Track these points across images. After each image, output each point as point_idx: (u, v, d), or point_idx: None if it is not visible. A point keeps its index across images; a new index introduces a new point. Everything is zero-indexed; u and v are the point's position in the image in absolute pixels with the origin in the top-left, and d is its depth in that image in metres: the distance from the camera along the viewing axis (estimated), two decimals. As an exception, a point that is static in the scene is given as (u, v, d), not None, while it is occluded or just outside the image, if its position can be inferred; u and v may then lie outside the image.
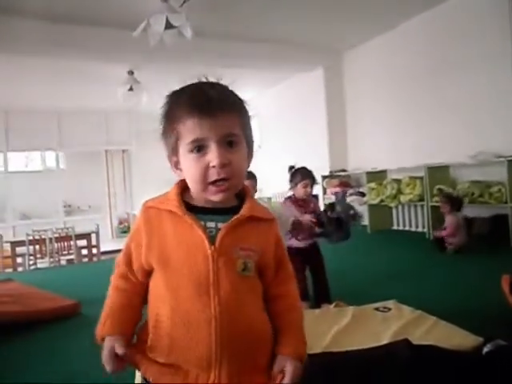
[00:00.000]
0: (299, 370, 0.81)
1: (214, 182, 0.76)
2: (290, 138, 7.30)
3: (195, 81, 0.81)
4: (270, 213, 0.88)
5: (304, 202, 2.71)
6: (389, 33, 5.51)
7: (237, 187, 0.80)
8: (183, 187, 0.82)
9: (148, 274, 0.82)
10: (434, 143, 4.98)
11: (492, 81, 4.33)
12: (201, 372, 0.75)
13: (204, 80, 0.81)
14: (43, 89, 6.82)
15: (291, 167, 2.76)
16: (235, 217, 0.79)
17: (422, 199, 4.76)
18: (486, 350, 1.58)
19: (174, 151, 0.80)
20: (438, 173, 4.66)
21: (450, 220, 3.97)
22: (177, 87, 0.82)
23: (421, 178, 4.79)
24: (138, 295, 0.84)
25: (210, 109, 0.74)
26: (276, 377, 0.80)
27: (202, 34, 4.63)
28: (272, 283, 0.86)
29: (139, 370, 0.81)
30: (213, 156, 0.75)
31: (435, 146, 4.94)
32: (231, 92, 0.82)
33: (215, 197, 0.77)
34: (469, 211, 4.31)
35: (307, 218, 2.58)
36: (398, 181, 5.14)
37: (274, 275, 0.86)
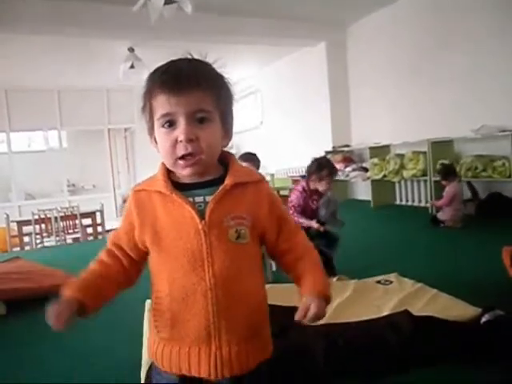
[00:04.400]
0: (324, 309, 0.80)
1: (182, 157, 0.77)
2: (293, 113, 7.24)
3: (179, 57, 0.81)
4: (257, 174, 0.88)
5: (317, 196, 2.57)
6: (393, 4, 5.40)
7: (207, 162, 0.79)
8: (167, 168, 0.83)
9: (144, 253, 0.84)
10: (437, 117, 4.95)
11: (496, 54, 4.27)
12: (202, 344, 0.78)
13: (188, 57, 0.82)
14: (44, 67, 6.76)
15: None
16: (221, 187, 0.79)
17: (424, 174, 4.76)
18: (484, 319, 1.62)
19: (150, 126, 0.82)
20: (441, 147, 4.64)
21: (447, 189, 3.98)
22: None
23: (424, 153, 4.77)
24: (118, 272, 0.84)
25: (180, 84, 0.75)
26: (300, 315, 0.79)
27: (202, 9, 4.54)
28: (278, 241, 0.86)
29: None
30: (180, 131, 0.76)
31: (439, 120, 4.91)
32: (209, 69, 0.81)
33: (184, 171, 0.79)
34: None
35: (314, 225, 2.47)
36: (401, 156, 5.13)
37: (277, 234, 0.86)
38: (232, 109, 0.85)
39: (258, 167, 2.80)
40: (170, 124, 0.77)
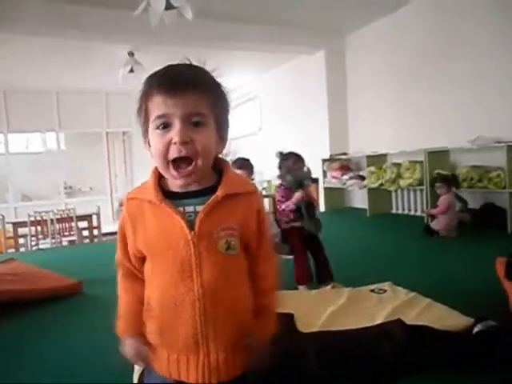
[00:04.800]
0: (263, 355, 0.83)
1: (175, 161, 0.77)
2: (291, 120, 7.28)
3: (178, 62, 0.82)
4: (250, 185, 0.87)
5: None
6: (392, 15, 5.45)
7: (201, 169, 0.79)
8: (160, 174, 0.83)
9: (143, 260, 0.85)
10: (434, 127, 4.98)
11: (493, 66, 4.31)
12: (190, 352, 0.79)
13: (186, 62, 0.82)
14: (43, 69, 6.77)
15: (280, 153, 2.72)
16: (212, 198, 0.79)
17: (421, 184, 4.79)
18: (476, 329, 1.63)
19: (145, 129, 0.81)
20: (437, 157, 4.67)
21: (443, 198, 4.01)
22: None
23: (421, 163, 4.80)
24: (140, 284, 0.86)
25: (177, 86, 0.75)
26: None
27: (202, 15, 4.58)
28: (253, 260, 0.87)
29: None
30: (175, 132, 0.75)
31: (435, 130, 4.94)
32: (206, 74, 0.81)
33: (177, 181, 0.79)
34: (467, 196, 4.36)
35: (298, 194, 2.57)
36: (398, 165, 5.15)
37: (257, 247, 0.86)
38: (228, 116, 0.85)
39: (251, 173, 2.81)
40: (165, 126, 0.77)
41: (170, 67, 0.80)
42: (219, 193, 0.79)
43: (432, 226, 4.03)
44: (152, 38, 5.13)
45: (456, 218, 4.01)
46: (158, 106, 0.76)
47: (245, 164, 2.75)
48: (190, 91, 0.76)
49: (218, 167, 0.84)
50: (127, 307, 0.87)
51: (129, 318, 0.86)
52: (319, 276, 2.60)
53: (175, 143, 0.75)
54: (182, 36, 5.20)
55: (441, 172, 4.39)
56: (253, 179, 2.79)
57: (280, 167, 2.69)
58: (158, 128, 0.77)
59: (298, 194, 2.56)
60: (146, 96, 0.79)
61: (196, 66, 0.82)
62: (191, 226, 0.78)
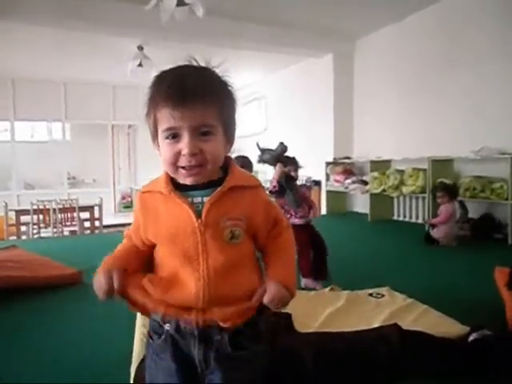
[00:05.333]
0: (283, 295, 0.86)
1: (184, 167, 0.81)
2: (296, 122, 7.29)
3: (185, 62, 0.83)
4: (255, 180, 0.91)
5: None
6: (401, 22, 5.46)
7: (210, 172, 0.83)
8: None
9: (152, 245, 0.91)
10: (439, 136, 4.99)
11: (500, 76, 4.32)
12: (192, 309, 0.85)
13: (193, 62, 0.84)
14: (52, 59, 6.80)
15: (264, 161, 2.86)
16: (218, 189, 0.83)
17: (423, 191, 4.79)
18: (471, 338, 1.64)
19: (154, 134, 0.84)
20: (441, 166, 4.68)
21: (445, 208, 4.02)
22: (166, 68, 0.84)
23: (424, 170, 4.81)
24: (143, 252, 0.92)
25: (184, 99, 0.77)
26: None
27: (213, 14, 4.60)
28: (268, 238, 0.92)
29: (128, 303, 0.89)
30: (184, 144, 0.79)
31: (440, 138, 4.95)
32: (214, 78, 0.83)
33: (186, 180, 0.82)
34: (469, 206, 4.37)
35: (278, 168, 2.73)
36: (401, 171, 5.16)
37: (268, 233, 0.91)
38: (235, 117, 0.88)
39: (250, 171, 2.83)
40: (174, 136, 0.80)
41: (176, 72, 0.81)
42: (226, 184, 0.83)
43: (432, 234, 4.04)
44: (161, 33, 5.15)
45: (455, 228, 4.02)
46: (167, 118, 0.79)
47: (244, 162, 2.77)
48: (198, 103, 0.77)
49: (224, 163, 0.87)
50: (119, 249, 0.93)
51: (117, 256, 0.91)
52: (316, 272, 2.67)
53: (184, 155, 0.79)
54: (191, 33, 5.21)
55: (443, 181, 4.39)
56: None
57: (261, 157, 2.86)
58: (167, 138, 0.81)
59: (277, 168, 2.70)
60: (154, 104, 0.81)
61: (203, 69, 0.83)
62: (198, 215, 0.82)
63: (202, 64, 0.84)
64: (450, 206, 4.01)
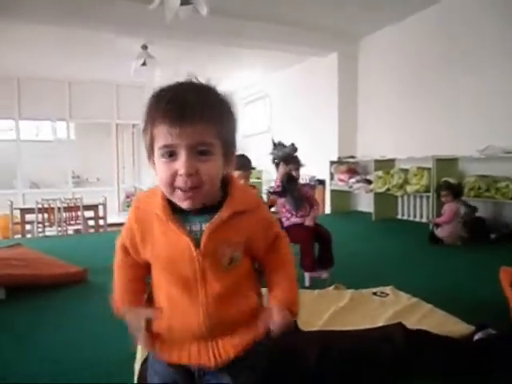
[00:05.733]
0: (288, 320, 0.85)
1: (180, 189, 0.77)
2: (300, 121, 7.28)
3: (184, 79, 0.81)
4: (255, 200, 0.88)
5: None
6: (405, 20, 5.44)
7: (207, 194, 0.79)
8: None
9: (145, 259, 0.88)
10: (444, 135, 4.97)
11: (505, 74, 4.29)
12: (200, 341, 0.85)
13: (194, 80, 0.81)
14: (56, 58, 6.83)
15: (273, 159, 2.89)
16: (217, 216, 0.80)
17: (428, 190, 4.77)
18: (476, 337, 1.64)
19: (150, 151, 0.80)
20: (445, 165, 4.66)
21: (449, 207, 4.01)
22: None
23: (428, 169, 4.79)
24: (138, 267, 0.91)
25: (182, 117, 0.73)
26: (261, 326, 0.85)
27: (217, 12, 4.59)
28: (267, 253, 0.90)
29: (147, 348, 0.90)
30: (180, 164, 0.75)
31: (445, 137, 4.93)
32: (214, 97, 0.80)
33: (183, 204, 0.78)
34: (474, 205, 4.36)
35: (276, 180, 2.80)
36: (406, 170, 5.14)
37: (267, 250, 0.90)
38: (235, 137, 0.84)
39: (249, 170, 2.79)
40: (170, 154, 0.76)
41: (176, 89, 0.78)
42: (225, 212, 0.81)
43: (436, 233, 4.02)
44: (165, 32, 5.16)
45: (460, 227, 4.01)
46: (164, 135, 0.75)
47: (243, 162, 2.70)
48: (196, 121, 0.74)
49: (224, 182, 0.84)
50: (121, 280, 0.92)
51: (126, 290, 0.91)
52: (321, 260, 2.74)
53: (181, 175, 0.76)
54: (195, 31, 5.21)
55: (448, 180, 4.37)
56: (249, 180, 2.84)
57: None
58: (163, 156, 0.77)
59: (280, 169, 2.76)
60: (151, 120, 0.77)
61: (203, 87, 0.80)
62: (197, 243, 0.80)
63: (203, 81, 0.81)
64: (454, 205, 3.99)
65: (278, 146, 2.86)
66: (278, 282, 0.89)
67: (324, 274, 2.71)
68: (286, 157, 2.79)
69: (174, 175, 0.76)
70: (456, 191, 4.07)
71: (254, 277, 0.92)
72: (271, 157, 2.92)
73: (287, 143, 2.95)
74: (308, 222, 2.79)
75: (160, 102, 0.76)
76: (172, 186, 0.77)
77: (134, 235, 0.85)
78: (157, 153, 0.78)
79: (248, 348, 0.86)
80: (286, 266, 0.91)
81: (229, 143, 0.82)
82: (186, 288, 0.82)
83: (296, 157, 2.90)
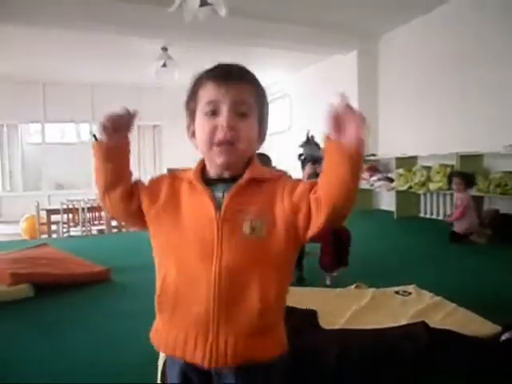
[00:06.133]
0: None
1: (219, 144, 0.81)
2: (320, 120, 7.21)
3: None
4: (276, 173, 0.89)
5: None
6: (426, 16, 5.35)
7: (242, 154, 0.83)
8: (204, 165, 0.88)
9: (138, 211, 0.90)
10: (468, 131, 4.86)
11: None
12: (199, 332, 0.80)
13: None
14: (79, 62, 6.99)
15: (300, 155, 2.82)
16: (237, 183, 0.82)
17: (451, 188, 4.68)
18: (503, 338, 1.60)
19: (192, 117, 0.87)
20: (470, 161, 4.56)
21: (461, 197, 3.97)
22: (208, 65, 0.88)
23: (451, 166, 4.69)
24: (130, 194, 0.92)
25: (228, 77, 0.82)
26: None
27: (236, 13, 4.61)
28: (307, 201, 0.78)
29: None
30: (222, 118, 0.81)
31: (469, 133, 4.82)
32: (254, 75, 0.89)
33: (219, 158, 0.82)
34: (500, 202, 4.25)
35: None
36: (428, 168, 5.06)
37: (304, 202, 0.78)
38: (268, 115, 0.90)
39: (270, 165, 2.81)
40: (213, 113, 0.82)
41: (219, 64, 0.87)
42: (245, 176, 0.83)
43: (456, 229, 3.97)
44: (185, 33, 5.21)
45: (476, 220, 3.96)
46: (210, 92, 0.83)
47: (263, 160, 2.73)
48: (241, 81, 0.83)
49: (248, 161, 0.87)
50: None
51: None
52: (340, 258, 2.66)
53: (222, 127, 0.81)
54: (214, 32, 5.25)
55: (461, 171, 4.33)
56: None
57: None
58: (206, 114, 0.83)
59: (307, 169, 2.73)
60: (197, 85, 0.86)
61: (243, 66, 0.88)
62: (218, 208, 0.81)
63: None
64: (465, 197, 3.97)
65: (310, 142, 2.82)
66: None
67: (334, 273, 2.67)
68: (316, 158, 2.76)
69: (215, 130, 0.81)
70: (469, 180, 4.03)
71: (282, 269, 0.83)
72: (300, 151, 2.86)
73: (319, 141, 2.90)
74: None
75: (207, 72, 0.86)
76: (211, 142, 0.82)
77: (160, 191, 0.88)
78: (200, 112, 0.84)
79: (258, 361, 0.80)
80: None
81: (263, 116, 0.88)
82: (201, 255, 0.80)
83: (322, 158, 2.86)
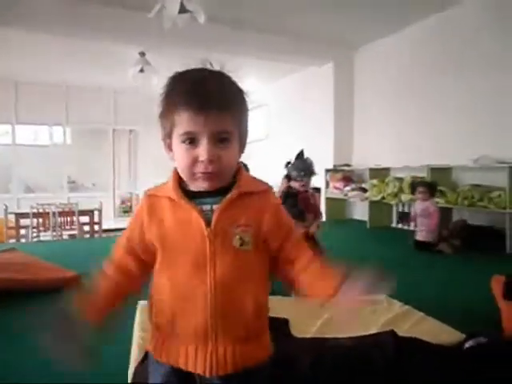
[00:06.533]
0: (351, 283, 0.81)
1: (201, 174, 0.80)
2: (297, 129, 7.33)
3: (199, 66, 0.83)
4: (263, 184, 0.89)
5: (305, 194, 2.78)
6: (402, 31, 5.52)
7: (225, 178, 0.83)
8: (179, 176, 0.85)
9: (154, 254, 0.86)
10: (438, 144, 5.03)
11: (498, 86, 4.36)
12: (199, 343, 0.82)
13: (208, 66, 0.83)
14: (54, 63, 6.86)
15: (288, 163, 2.81)
16: (227, 197, 0.82)
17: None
18: (466, 345, 1.65)
19: (168, 135, 0.83)
20: (440, 174, 4.71)
21: (429, 205, 4.08)
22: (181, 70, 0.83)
23: (423, 178, 4.83)
24: (126, 286, 0.88)
25: (206, 105, 0.76)
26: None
27: (214, 21, 4.65)
28: (284, 248, 0.88)
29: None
30: (202, 151, 0.78)
31: (439, 147, 4.99)
32: (231, 85, 0.83)
33: (202, 185, 0.81)
34: (467, 215, 4.40)
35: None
36: (401, 179, 5.19)
37: (282, 242, 0.88)
38: (248, 125, 0.88)
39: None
40: (191, 141, 0.79)
41: (196, 76, 0.80)
42: (234, 191, 0.83)
43: (419, 238, 4.10)
44: (163, 39, 5.20)
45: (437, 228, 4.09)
46: (187, 121, 0.77)
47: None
48: (220, 110, 0.77)
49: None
50: (100, 292, 0.88)
51: (95, 299, 0.86)
52: None
53: (202, 161, 0.78)
54: (193, 39, 5.26)
55: (422, 180, 4.50)
56: None
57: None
58: (183, 142, 0.80)
59: (282, 183, 2.76)
60: (171, 106, 0.80)
61: (221, 76, 0.82)
62: (208, 222, 0.81)
63: (217, 68, 0.84)
64: (434, 204, 4.10)
65: (301, 162, 2.76)
66: (319, 275, 0.85)
67: None
68: (289, 175, 2.76)
69: (195, 161, 0.79)
70: (433, 189, 4.16)
71: (266, 278, 0.89)
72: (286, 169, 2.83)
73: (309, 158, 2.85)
74: (312, 229, 2.76)
75: (181, 88, 0.79)
76: (191, 171, 0.80)
77: (142, 221, 0.85)
78: (177, 139, 0.80)
79: (250, 366, 0.84)
80: (315, 260, 0.88)
81: (244, 130, 0.86)
82: (195, 270, 0.81)
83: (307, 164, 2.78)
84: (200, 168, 0.79)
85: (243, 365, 0.83)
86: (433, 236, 4.05)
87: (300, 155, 2.84)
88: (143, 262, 0.88)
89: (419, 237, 4.14)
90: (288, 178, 2.77)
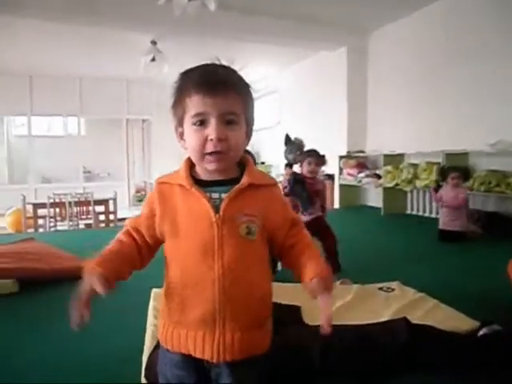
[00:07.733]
0: (326, 282, 0.89)
1: (210, 153, 0.84)
2: (310, 115, 7.27)
3: (208, 62, 0.88)
4: (271, 178, 0.95)
5: (312, 180, 2.79)
6: (416, 13, 5.39)
7: (233, 160, 0.87)
8: (191, 163, 0.90)
9: (159, 241, 0.92)
10: (454, 129, 4.92)
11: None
12: (207, 329, 0.85)
13: (216, 62, 0.89)
14: (67, 55, 6.90)
15: (287, 137, 2.81)
16: (236, 186, 0.86)
17: (439, 183, 4.74)
18: (480, 333, 1.64)
19: (180, 122, 0.88)
20: (455, 159, 4.62)
21: (462, 192, 3.80)
22: (193, 63, 0.89)
23: (438, 164, 4.76)
24: (134, 252, 0.91)
25: (215, 87, 0.82)
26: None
27: (225, 7, 4.60)
28: (285, 239, 0.93)
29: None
30: (211, 130, 0.82)
31: (455, 132, 4.88)
32: (239, 76, 0.89)
33: (210, 165, 0.85)
34: (483, 200, 4.32)
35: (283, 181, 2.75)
36: (415, 165, 5.12)
37: (286, 234, 0.93)
38: (254, 115, 0.92)
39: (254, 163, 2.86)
40: (201, 123, 0.84)
41: (205, 66, 0.87)
42: (244, 181, 0.87)
43: (446, 227, 3.84)
44: (174, 27, 5.18)
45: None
46: (197, 104, 0.83)
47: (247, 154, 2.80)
48: (229, 92, 0.83)
49: (241, 162, 0.91)
50: (108, 250, 0.91)
51: (102, 258, 0.89)
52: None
53: (211, 140, 0.83)
54: (204, 27, 5.23)
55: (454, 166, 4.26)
56: None
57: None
58: (194, 124, 0.84)
59: (286, 170, 2.72)
60: (183, 92, 0.85)
61: (229, 68, 0.88)
62: (216, 210, 0.85)
63: (225, 64, 0.89)
64: (466, 191, 3.87)
65: (290, 144, 2.82)
66: (306, 262, 0.91)
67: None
68: (290, 162, 2.78)
69: (205, 141, 0.83)
70: (467, 174, 3.99)
71: (269, 270, 0.93)
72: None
73: (297, 137, 2.90)
74: (316, 213, 2.78)
75: (193, 76, 0.85)
76: (202, 152, 0.84)
77: (154, 208, 0.89)
78: (188, 121, 0.85)
79: (256, 354, 0.88)
80: (309, 246, 0.94)
81: (250, 118, 0.90)
82: (203, 256, 0.84)
83: (312, 153, 2.80)
84: (209, 147, 0.83)
85: (249, 351, 0.87)
86: (461, 225, 3.79)
87: (287, 139, 2.86)
88: (148, 244, 0.93)
89: (446, 226, 3.81)
90: (290, 165, 2.79)
